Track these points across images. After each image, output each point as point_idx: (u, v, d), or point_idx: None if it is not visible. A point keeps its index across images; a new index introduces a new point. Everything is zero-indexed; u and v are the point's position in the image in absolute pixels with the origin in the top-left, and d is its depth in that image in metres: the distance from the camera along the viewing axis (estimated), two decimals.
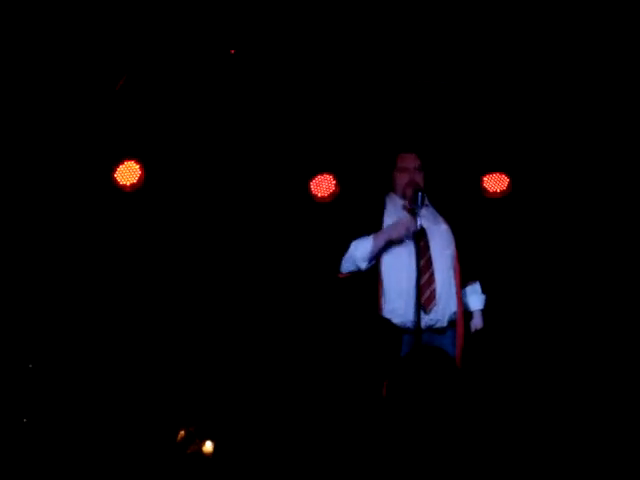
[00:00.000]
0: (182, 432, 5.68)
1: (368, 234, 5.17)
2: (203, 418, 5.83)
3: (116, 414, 5.81)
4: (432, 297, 5.04)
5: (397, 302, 5.05)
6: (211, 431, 5.71)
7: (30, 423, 5.63)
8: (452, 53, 6.01)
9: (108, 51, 5.98)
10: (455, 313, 5.15)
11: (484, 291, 5.38)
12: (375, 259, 5.12)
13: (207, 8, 5.82)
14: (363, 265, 5.13)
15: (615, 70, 5.93)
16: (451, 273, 5.18)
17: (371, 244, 5.11)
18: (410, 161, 5.29)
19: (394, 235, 5.09)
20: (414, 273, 5.01)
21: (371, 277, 5.15)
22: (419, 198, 5.06)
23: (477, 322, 5.31)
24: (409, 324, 4.97)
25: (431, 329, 5.03)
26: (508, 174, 6.19)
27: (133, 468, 5.34)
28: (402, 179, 5.26)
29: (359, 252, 5.14)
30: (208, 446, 5.65)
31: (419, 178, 5.24)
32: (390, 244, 5.13)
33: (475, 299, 5.34)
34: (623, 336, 5.96)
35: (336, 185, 6.16)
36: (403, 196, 5.25)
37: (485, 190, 6.17)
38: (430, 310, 5.02)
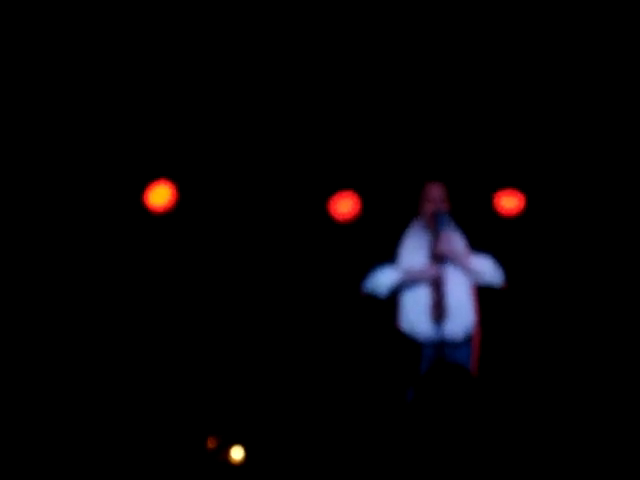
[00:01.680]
0: (212, 440, 5.81)
1: (387, 256, 5.34)
2: (232, 425, 5.95)
3: (145, 420, 5.92)
4: (444, 311, 5.15)
5: (412, 315, 5.23)
6: (239, 438, 5.83)
7: (45, 424, 5.71)
8: (468, 73, 6.11)
9: (145, 69, 6.11)
10: (471, 326, 5.27)
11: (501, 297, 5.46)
12: (394, 290, 5.30)
13: (241, 27, 5.97)
14: (383, 295, 5.31)
15: (629, 85, 6.01)
16: (466, 287, 5.31)
17: (394, 280, 5.31)
18: (436, 192, 5.37)
19: (421, 279, 5.26)
20: (429, 287, 5.22)
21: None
22: (442, 219, 5.24)
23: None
24: (424, 337, 5.13)
25: (447, 342, 5.13)
26: (523, 192, 6.20)
27: (163, 475, 5.48)
28: (428, 208, 5.34)
29: (380, 282, 5.32)
30: (238, 454, 5.77)
31: (444, 208, 5.33)
32: (411, 262, 5.31)
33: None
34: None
35: (358, 205, 6.23)
36: (428, 225, 5.37)
37: (499, 208, 6.22)
38: (444, 323, 5.13)
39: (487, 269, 5.33)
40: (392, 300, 5.29)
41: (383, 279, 5.33)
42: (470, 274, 5.30)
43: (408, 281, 5.28)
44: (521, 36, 6.01)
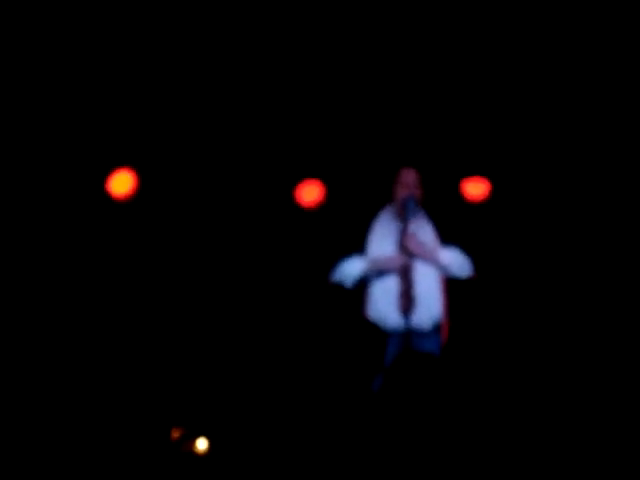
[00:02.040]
0: (176, 431, 5.78)
1: (356, 244, 5.32)
2: (196, 416, 5.92)
3: (110, 412, 5.86)
4: (412, 301, 5.15)
5: (380, 304, 5.23)
6: (204, 429, 5.80)
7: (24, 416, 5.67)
8: (437, 57, 6.11)
9: (104, 56, 6.04)
10: (439, 316, 5.26)
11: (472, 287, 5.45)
12: (360, 281, 5.30)
13: (203, 10, 5.91)
14: (349, 284, 5.31)
15: (598, 71, 6.03)
16: (434, 276, 5.30)
17: (361, 270, 5.31)
18: (410, 177, 5.36)
19: (388, 268, 5.25)
20: (397, 276, 5.20)
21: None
22: (411, 206, 5.22)
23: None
24: (392, 326, 5.10)
25: (415, 332, 5.13)
26: (489, 179, 6.22)
27: (127, 466, 5.40)
28: (401, 194, 5.32)
29: (347, 273, 5.32)
30: (201, 444, 5.74)
31: (418, 193, 5.33)
32: (378, 250, 5.30)
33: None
34: (610, 332, 6.04)
35: (323, 193, 6.24)
36: (397, 212, 5.35)
37: (466, 195, 6.22)
38: (411, 313, 5.13)
39: (455, 262, 5.32)
40: (360, 289, 5.29)
41: (350, 269, 5.32)
42: (438, 267, 5.29)
43: (375, 271, 5.27)
44: (490, 23, 6.02)
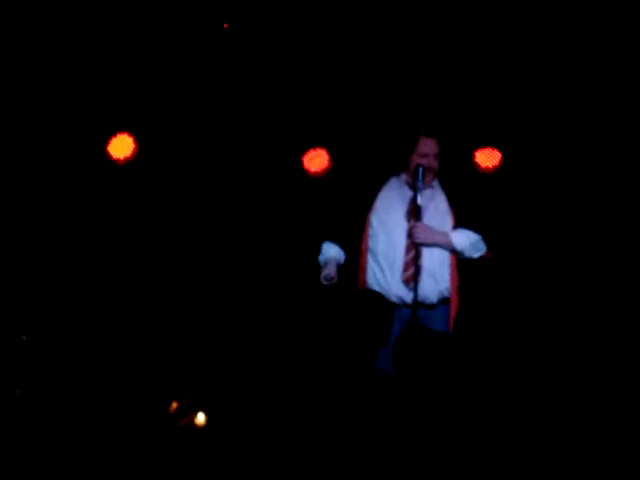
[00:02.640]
0: (174, 404, 5.72)
1: (360, 210, 5.23)
2: (195, 390, 5.85)
3: (108, 387, 5.83)
4: (417, 273, 5.03)
5: (381, 276, 5.11)
6: (204, 403, 5.74)
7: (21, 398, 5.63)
8: (447, 32, 6.04)
9: (102, 24, 5.99)
10: (447, 290, 5.14)
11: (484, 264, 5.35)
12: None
13: None
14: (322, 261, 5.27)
15: (613, 45, 5.95)
16: (444, 251, 5.17)
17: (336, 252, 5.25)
18: (427, 147, 5.20)
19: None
20: (403, 249, 5.10)
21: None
22: (420, 173, 5.10)
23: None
24: (393, 298, 5.02)
25: (420, 304, 5.03)
26: (500, 149, 6.18)
27: (126, 440, 5.34)
28: (415, 163, 5.19)
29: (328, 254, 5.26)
30: (200, 418, 5.69)
31: (436, 165, 5.21)
32: (385, 218, 5.19)
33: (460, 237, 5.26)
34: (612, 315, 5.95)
35: (329, 160, 6.19)
36: (408, 179, 5.24)
37: (478, 165, 6.17)
38: (413, 286, 5.01)
39: (468, 246, 5.18)
40: (364, 260, 5.17)
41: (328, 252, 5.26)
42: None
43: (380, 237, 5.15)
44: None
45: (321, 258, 5.27)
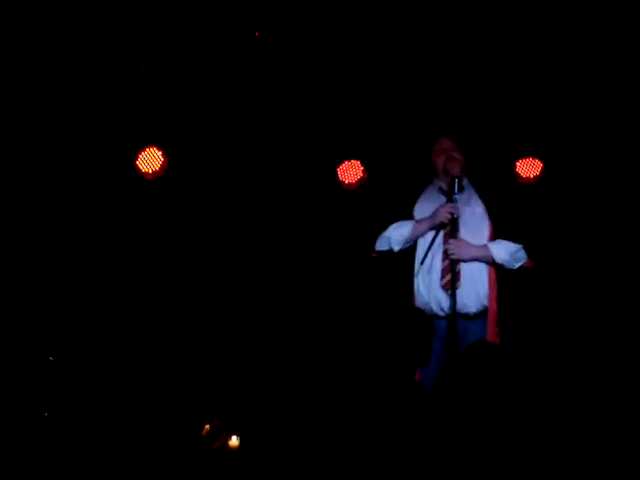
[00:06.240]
0: (207, 426, 5.65)
1: (401, 218, 5.23)
2: (229, 412, 5.78)
3: (139, 408, 5.74)
4: (455, 280, 5.00)
5: (422, 284, 5.11)
6: (237, 425, 5.68)
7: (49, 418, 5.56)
8: (484, 37, 5.95)
9: (131, 37, 5.95)
10: (485, 297, 5.08)
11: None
12: (410, 243, 5.17)
13: None
14: (396, 248, 5.19)
15: None
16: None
17: (409, 230, 5.17)
18: (445, 142, 5.32)
19: (437, 221, 5.10)
20: (440, 257, 5.08)
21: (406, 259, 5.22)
22: (455, 184, 5.10)
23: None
24: (434, 305, 5.03)
25: (459, 314, 4.99)
26: (541, 159, 6.15)
27: (159, 462, 5.27)
28: (440, 160, 5.27)
29: (395, 234, 5.18)
30: (234, 440, 5.64)
31: (457, 155, 5.26)
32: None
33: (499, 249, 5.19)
34: None
35: (364, 171, 6.18)
36: (445, 174, 5.25)
37: (518, 175, 6.14)
38: (451, 293, 4.96)
39: (508, 257, 5.12)
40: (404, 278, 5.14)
41: (395, 232, 5.19)
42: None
43: (424, 229, 5.13)
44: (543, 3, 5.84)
45: (394, 238, 5.19)
